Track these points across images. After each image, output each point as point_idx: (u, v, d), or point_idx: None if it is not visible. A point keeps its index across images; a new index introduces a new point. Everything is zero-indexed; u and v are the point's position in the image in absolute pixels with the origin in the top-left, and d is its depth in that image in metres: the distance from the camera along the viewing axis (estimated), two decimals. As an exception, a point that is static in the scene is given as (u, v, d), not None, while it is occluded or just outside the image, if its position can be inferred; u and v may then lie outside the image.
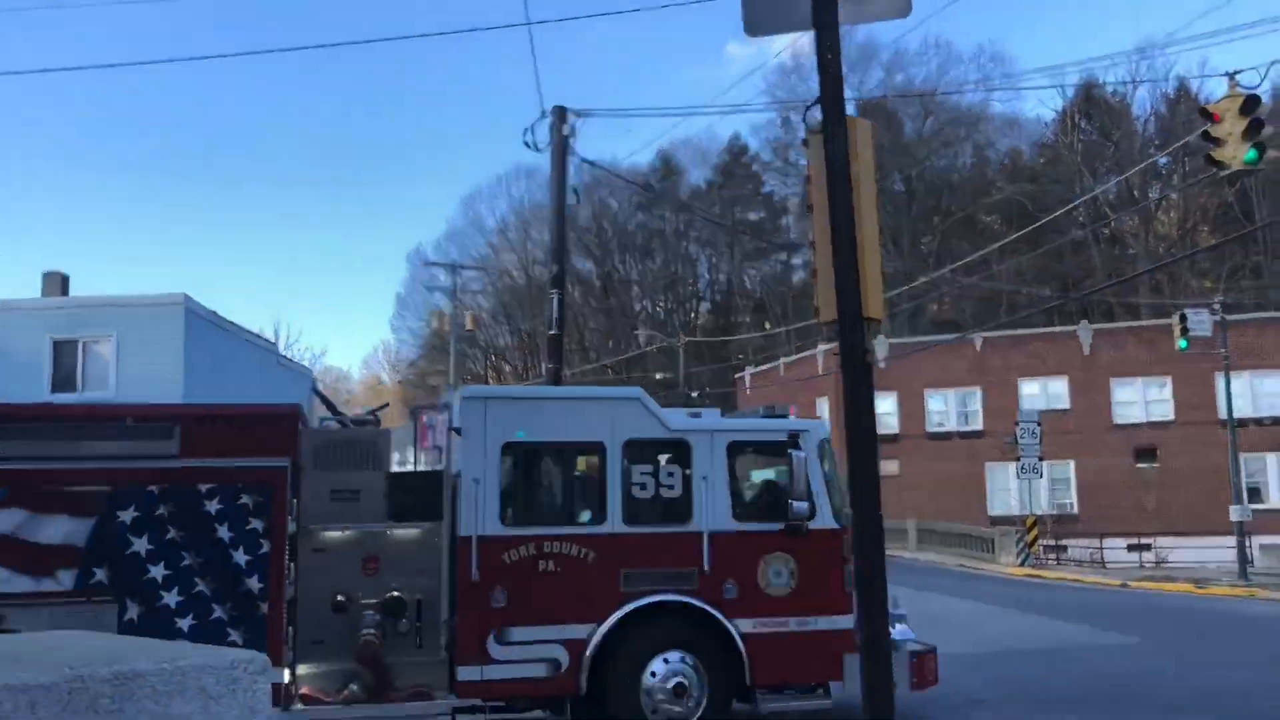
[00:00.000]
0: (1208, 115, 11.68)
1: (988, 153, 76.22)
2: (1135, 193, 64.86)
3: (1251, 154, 11.24)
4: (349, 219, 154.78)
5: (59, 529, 8.56)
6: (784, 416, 10.90)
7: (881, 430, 45.29)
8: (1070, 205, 55.59)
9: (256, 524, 8.89)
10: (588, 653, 9.54)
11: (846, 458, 5.30)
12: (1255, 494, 38.83)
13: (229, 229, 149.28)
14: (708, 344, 75.82)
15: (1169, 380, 41.90)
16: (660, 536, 9.85)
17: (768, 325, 76.71)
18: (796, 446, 9.94)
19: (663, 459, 10.10)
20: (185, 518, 8.80)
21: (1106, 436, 42.12)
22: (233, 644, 8.30)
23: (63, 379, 26.55)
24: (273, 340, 35.60)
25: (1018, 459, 34.72)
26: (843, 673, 9.78)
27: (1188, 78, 64.30)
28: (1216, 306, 30.64)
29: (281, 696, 8.66)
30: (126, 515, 8.69)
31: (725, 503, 9.99)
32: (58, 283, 30.18)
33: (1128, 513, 40.35)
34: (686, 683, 9.72)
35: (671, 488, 9.95)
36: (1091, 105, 67.80)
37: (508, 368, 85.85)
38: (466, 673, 9.35)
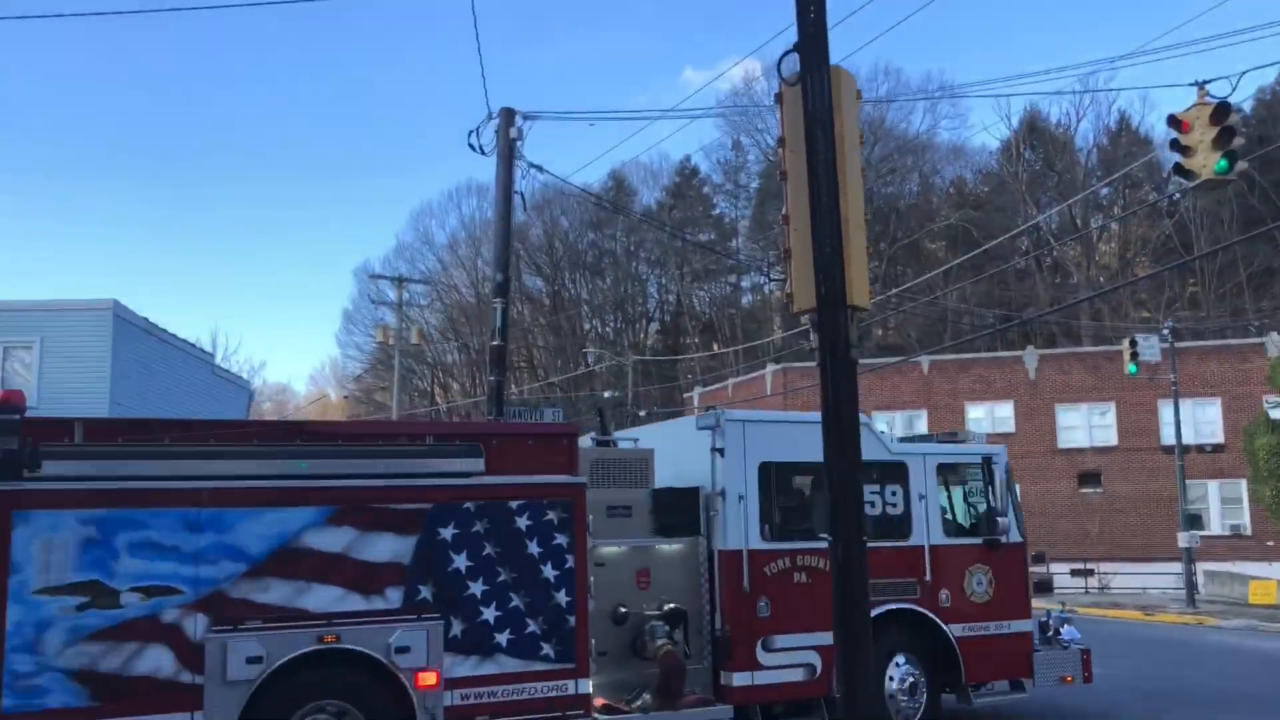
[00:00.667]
0: (1177, 124, 11.35)
1: (934, 180, 76.88)
2: (1077, 222, 65.68)
3: (1222, 163, 10.94)
4: (297, 233, 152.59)
5: (386, 547, 8.72)
6: (962, 441, 12.28)
7: (829, 452, 45.31)
8: (1013, 233, 56.12)
9: (561, 539, 9.26)
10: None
11: (826, 468, 4.73)
12: (1196, 520, 39.05)
13: (169, 239, 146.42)
14: (656, 363, 75.38)
15: (1113, 406, 42.13)
16: (890, 551, 10.82)
17: (716, 346, 76.52)
18: (990, 468, 11.53)
19: (885, 480, 11.15)
20: (498, 534, 9.14)
21: (1051, 461, 42.20)
22: (545, 658, 9.02)
23: (-18, 386, 25.32)
24: (209, 351, 34.40)
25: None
26: (1031, 670, 11.52)
27: (1129, 112, 65.48)
28: (1166, 332, 30.72)
29: (588, 708, 9.18)
30: (446, 532, 8.93)
31: (938, 519, 11.37)
32: (-19, 286, 28.90)
33: (1072, 537, 40.40)
34: (916, 681, 11.04)
35: (895, 505, 11.14)
36: (1035, 136, 68.65)
37: (455, 385, 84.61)
38: (740, 678, 10.15)
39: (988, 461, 11.62)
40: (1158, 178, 54.67)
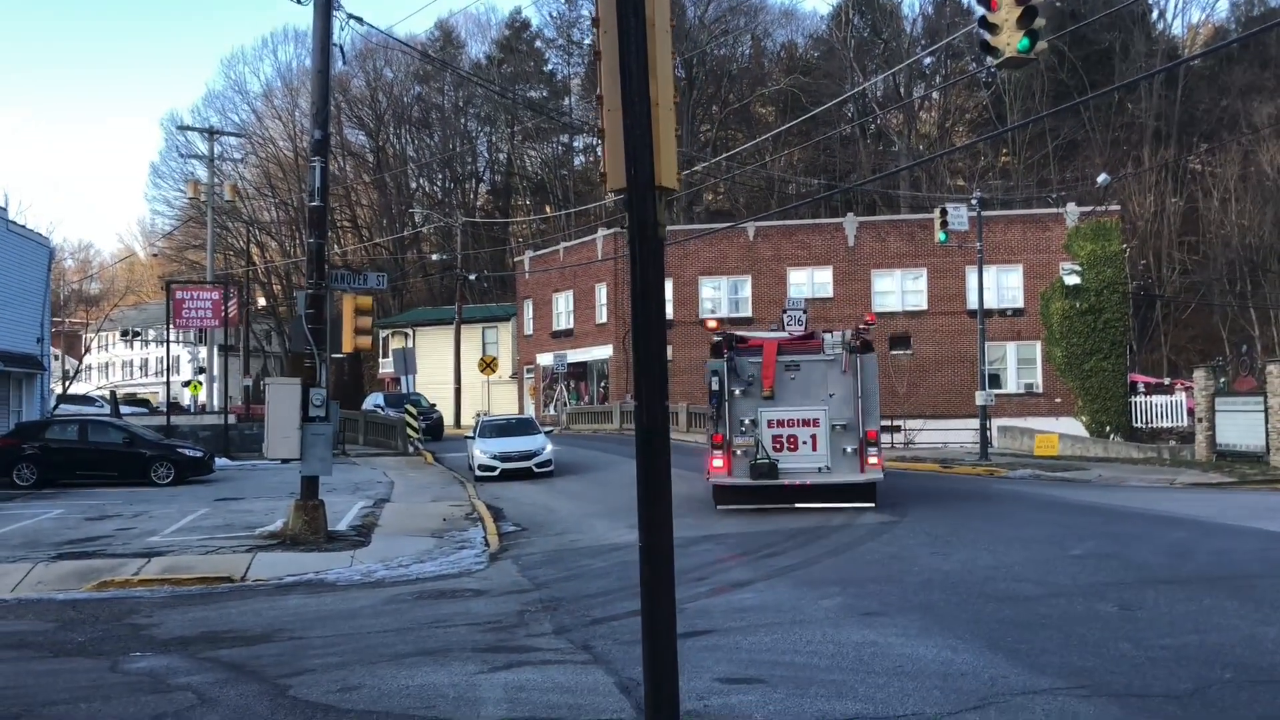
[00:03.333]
0: (985, 2, 11.72)
1: (765, 44, 77.02)
2: (901, 91, 67.31)
3: (1024, 42, 11.38)
4: (94, 78, 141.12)
5: None
6: None
7: (656, 315, 46.07)
8: (840, 99, 57.15)
9: None
10: None
11: (632, 341, 4.92)
12: (995, 380, 41.87)
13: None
14: (486, 226, 74.26)
15: (924, 272, 44.19)
16: None
17: (549, 208, 75.83)
18: None
19: None
20: None
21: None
22: None
23: None
24: (1, 205, 31.98)
25: (785, 345, 35.84)
26: None
27: (955, -20, 66.62)
28: (974, 202, 32.17)
29: None
30: None
31: None
32: None
33: (882, 396, 42.50)
34: None
35: None
36: (865, 2, 69.34)
37: (273, 244, 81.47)
38: None
39: None
40: (977, 49, 56.33)
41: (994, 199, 55.71)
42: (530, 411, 48.03)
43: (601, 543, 16.41)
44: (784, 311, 35.85)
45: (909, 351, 43.77)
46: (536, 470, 26.86)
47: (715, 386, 18.54)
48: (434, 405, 47.24)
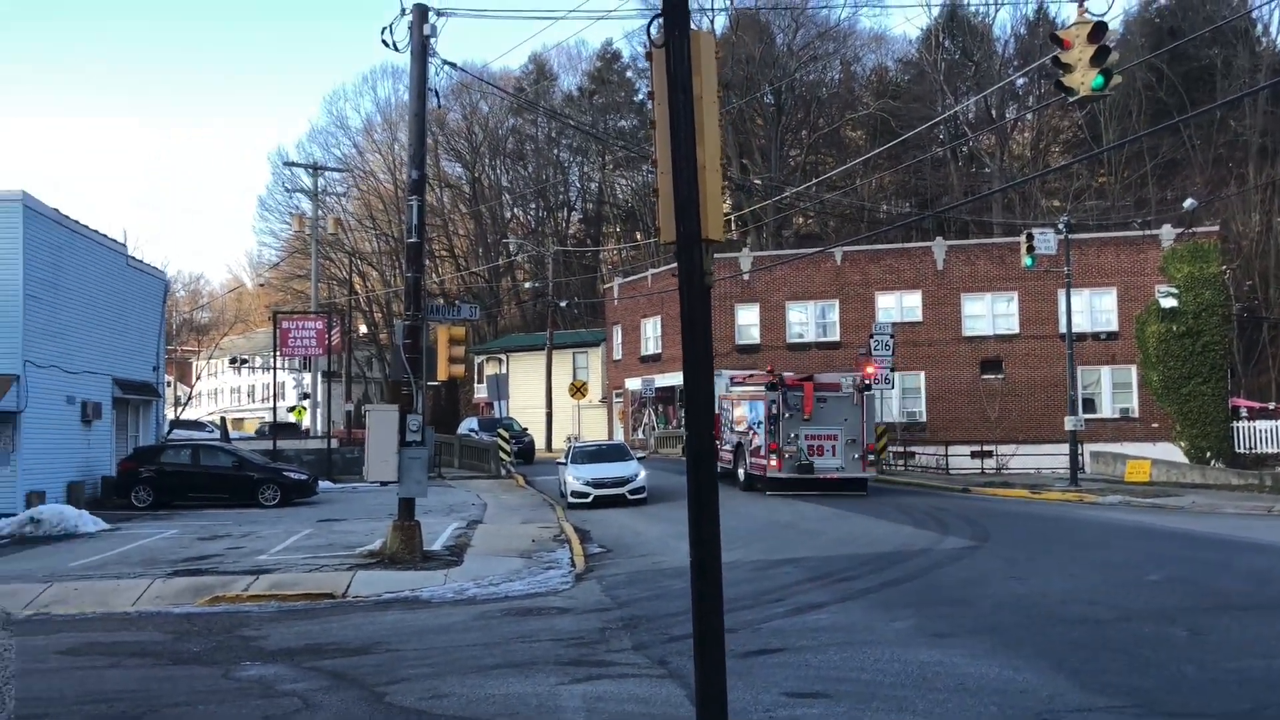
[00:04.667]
0: (1058, 41, 11.98)
1: (855, 68, 77.06)
2: (993, 113, 66.74)
3: (1098, 80, 11.61)
4: (208, 118, 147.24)
5: None
6: None
7: (744, 341, 46.07)
8: (931, 122, 56.97)
9: None
10: None
11: (683, 375, 5.45)
12: (1090, 404, 41.22)
13: (79, 128, 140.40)
14: (578, 254, 75.55)
15: (1015, 295, 43.78)
16: None
17: (639, 235, 76.80)
18: None
19: None
20: None
21: (956, 348, 43.92)
22: None
23: (-113, 279, 24.88)
24: (122, 242, 33.89)
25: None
26: None
27: (1047, 1, 66.02)
28: (1061, 226, 31.97)
29: None
30: None
31: None
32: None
33: (973, 421, 42.40)
34: None
35: None
36: (955, 25, 69.02)
37: (373, 273, 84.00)
38: None
39: None
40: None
41: (1089, 220, 54.87)
42: (619, 436, 48.70)
43: (683, 564, 16.78)
44: (871, 336, 36.16)
45: (1000, 376, 43.36)
46: (630, 497, 26.48)
47: (775, 411, 27.35)
48: (526, 429, 48.25)
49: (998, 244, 46.10)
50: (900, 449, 39.00)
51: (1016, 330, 43.85)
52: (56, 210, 27.71)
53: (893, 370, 36.07)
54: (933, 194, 66.32)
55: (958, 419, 42.91)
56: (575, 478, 26.98)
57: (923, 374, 43.91)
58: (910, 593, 13.35)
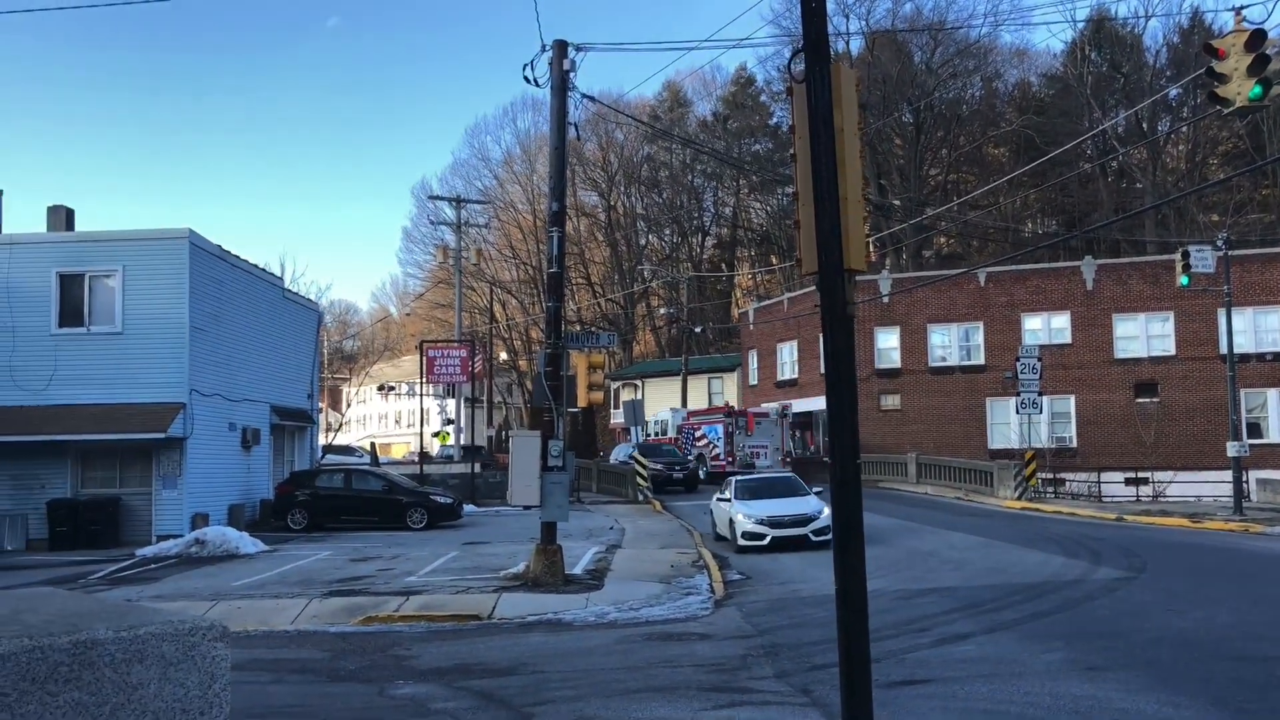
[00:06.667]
0: (1213, 51, 11.53)
1: (996, 85, 75.28)
2: (1144, 126, 64.22)
3: (1256, 90, 11.10)
4: (354, 154, 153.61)
5: None
6: None
7: (885, 365, 45.39)
8: (1078, 139, 55.17)
9: None
10: None
11: (827, 404, 5.48)
12: (1255, 429, 39.11)
13: (235, 167, 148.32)
14: (712, 279, 75.75)
15: (1171, 316, 41.95)
16: None
17: (774, 259, 76.55)
18: None
19: None
20: None
21: (1107, 371, 42.31)
22: None
23: (70, 313, 26.72)
24: (279, 274, 35.65)
25: (1018, 394, 34.93)
26: None
27: (1203, 8, 63.35)
28: (1220, 243, 30.50)
29: None
30: None
31: None
32: (62, 217, 30.14)
33: (1126, 447, 40.68)
34: None
35: None
36: (1102, 37, 66.79)
37: (513, 301, 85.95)
38: None
39: None
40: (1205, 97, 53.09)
41: (1252, 235, 52.22)
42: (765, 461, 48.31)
43: (824, 593, 16.68)
44: (1017, 360, 35.21)
45: (1156, 399, 41.54)
46: (814, 539, 21.83)
47: (730, 430, 44.43)
48: (689, 456, 46.67)
49: (1151, 262, 44.30)
50: (1049, 475, 37.68)
51: (1173, 351, 41.99)
52: (219, 246, 29.32)
53: (1040, 394, 35.00)
54: (1081, 211, 64.16)
55: (1110, 444, 41.26)
56: (746, 515, 22.75)
57: (1073, 398, 42.44)
58: (1061, 624, 12.93)
